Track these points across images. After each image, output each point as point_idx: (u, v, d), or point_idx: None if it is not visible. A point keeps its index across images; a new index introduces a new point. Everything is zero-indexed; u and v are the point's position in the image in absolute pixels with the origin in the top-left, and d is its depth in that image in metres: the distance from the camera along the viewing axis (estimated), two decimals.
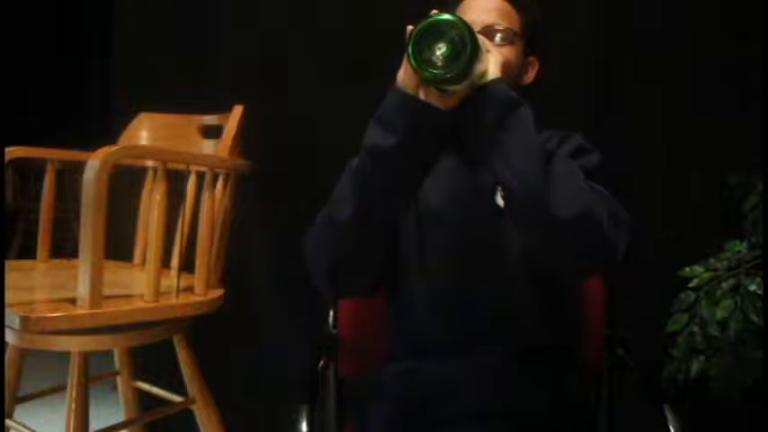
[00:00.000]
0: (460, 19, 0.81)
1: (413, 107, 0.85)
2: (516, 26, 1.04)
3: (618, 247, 0.88)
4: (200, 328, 1.36)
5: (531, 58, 1.09)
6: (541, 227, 0.85)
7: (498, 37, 1.02)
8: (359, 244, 0.93)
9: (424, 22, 0.81)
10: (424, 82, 0.84)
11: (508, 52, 1.02)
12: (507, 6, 1.04)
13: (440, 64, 0.81)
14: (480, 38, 0.86)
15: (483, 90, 0.85)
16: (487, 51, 0.87)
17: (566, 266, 0.92)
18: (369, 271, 0.98)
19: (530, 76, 1.10)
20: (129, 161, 1.47)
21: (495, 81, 0.86)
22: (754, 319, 1.15)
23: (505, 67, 0.99)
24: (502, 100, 0.85)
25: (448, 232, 1.02)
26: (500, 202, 1.00)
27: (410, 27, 0.84)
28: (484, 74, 0.86)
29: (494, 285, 0.99)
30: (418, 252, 1.04)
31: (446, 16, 0.81)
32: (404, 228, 1.03)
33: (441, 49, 0.81)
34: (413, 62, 0.82)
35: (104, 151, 1.05)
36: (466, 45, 0.80)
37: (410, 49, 0.82)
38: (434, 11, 0.85)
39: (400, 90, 0.86)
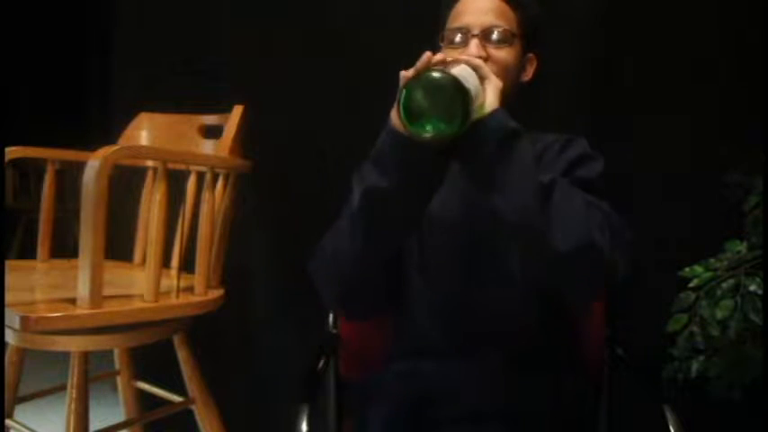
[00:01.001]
0: (449, 78, 0.77)
1: (407, 149, 0.84)
2: (514, 26, 1.04)
3: (618, 269, 0.88)
4: (200, 328, 1.36)
5: (530, 56, 1.09)
6: (541, 260, 0.86)
7: (496, 39, 1.02)
8: (366, 276, 0.95)
9: (413, 84, 0.78)
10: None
11: (506, 54, 1.02)
12: (504, 6, 1.04)
13: (432, 130, 0.77)
14: (476, 64, 0.85)
15: (480, 123, 0.84)
16: (485, 79, 0.86)
17: (566, 293, 0.93)
18: (376, 297, 1.00)
19: (528, 73, 1.10)
20: (129, 161, 1.47)
21: (493, 114, 0.85)
22: (754, 319, 1.15)
23: (504, 70, 1.00)
24: (500, 133, 0.84)
25: (448, 235, 1.02)
26: None
27: (403, 74, 0.82)
28: (482, 106, 0.84)
29: (494, 288, 0.98)
30: (419, 254, 1.04)
31: (435, 75, 0.77)
32: None
33: (430, 123, 0.77)
34: (406, 124, 0.79)
35: (104, 151, 1.05)
36: (456, 109, 0.76)
37: (402, 112, 0.78)
38: (427, 55, 0.83)
39: (393, 131, 0.85)
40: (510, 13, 1.04)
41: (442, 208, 1.03)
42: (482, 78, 0.86)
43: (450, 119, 0.76)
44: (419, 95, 0.77)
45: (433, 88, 0.76)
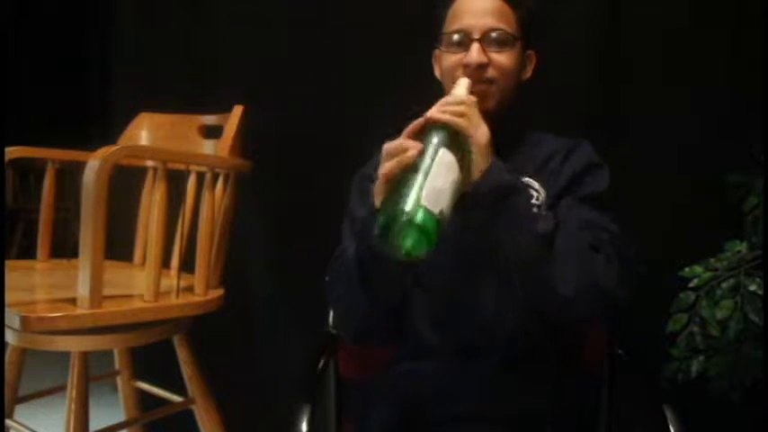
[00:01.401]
0: (419, 213, 0.76)
1: None
2: (514, 26, 1.02)
3: (624, 298, 0.91)
4: (200, 328, 1.36)
5: (529, 52, 1.08)
6: (547, 304, 0.90)
7: (498, 43, 1.00)
8: (376, 318, 0.99)
9: (386, 214, 0.78)
10: None
11: (507, 57, 1.01)
12: (504, 5, 1.02)
13: (405, 252, 0.78)
14: (457, 124, 0.85)
15: (473, 188, 0.86)
16: (469, 137, 0.86)
17: (573, 324, 0.99)
18: (389, 328, 1.02)
19: (528, 71, 1.09)
20: (129, 161, 1.47)
21: (484, 177, 0.86)
22: (754, 319, 1.15)
23: (505, 74, 1.00)
24: (492, 195, 0.86)
25: (450, 242, 1.00)
26: None
27: (381, 172, 0.82)
28: (470, 171, 0.86)
29: (495, 292, 0.97)
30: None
31: (406, 211, 0.76)
32: None
33: (404, 246, 0.78)
34: (383, 246, 0.79)
35: (104, 151, 1.05)
36: (428, 237, 0.77)
37: (378, 232, 0.79)
38: (399, 161, 0.82)
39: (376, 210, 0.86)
40: (509, 13, 1.02)
41: None
42: (466, 135, 0.86)
43: (423, 245, 0.77)
44: (393, 222, 0.78)
45: (405, 222, 0.77)
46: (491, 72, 1.00)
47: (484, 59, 0.99)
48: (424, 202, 0.77)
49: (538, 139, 1.08)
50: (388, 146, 0.85)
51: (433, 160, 0.81)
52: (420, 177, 0.79)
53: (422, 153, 0.82)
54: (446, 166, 0.82)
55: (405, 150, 0.83)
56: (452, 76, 1.01)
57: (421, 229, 0.76)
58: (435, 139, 0.83)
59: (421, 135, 0.85)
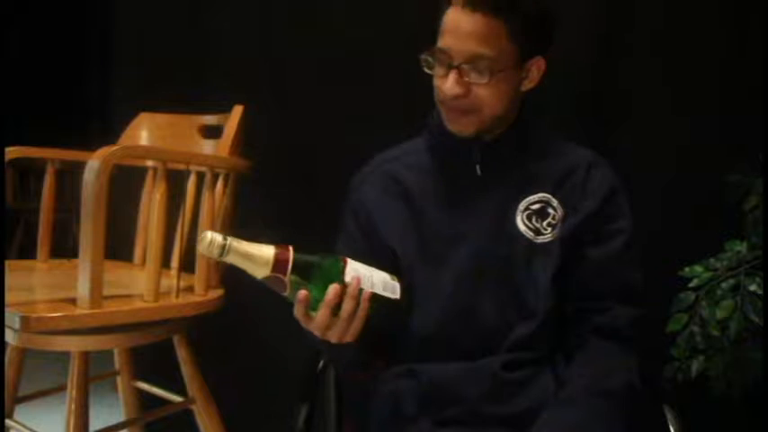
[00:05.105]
0: None
1: None
2: (503, 45, 0.91)
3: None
4: (200, 328, 1.36)
5: (537, 59, 0.98)
6: None
7: (479, 71, 0.91)
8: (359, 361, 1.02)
9: None
10: None
11: (489, 90, 0.92)
12: (492, 22, 0.90)
13: None
14: None
15: None
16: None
17: None
18: (374, 362, 1.04)
19: (532, 79, 0.99)
20: (129, 161, 1.47)
21: None
22: (754, 319, 1.15)
23: (486, 105, 0.94)
24: None
25: (455, 249, 0.99)
26: (521, 226, 0.98)
27: None
28: None
29: (499, 298, 0.97)
30: (422, 265, 1.01)
31: None
32: (403, 246, 1.02)
33: None
34: None
35: (104, 151, 1.05)
36: None
37: None
38: None
39: None
40: (499, 30, 0.90)
41: (450, 225, 1.00)
42: None
43: None
44: None
45: None
46: (470, 101, 0.94)
47: (458, 92, 0.92)
48: None
49: (546, 142, 1.05)
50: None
51: None
52: None
53: None
54: None
55: None
56: (438, 98, 0.98)
57: None
58: None
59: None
